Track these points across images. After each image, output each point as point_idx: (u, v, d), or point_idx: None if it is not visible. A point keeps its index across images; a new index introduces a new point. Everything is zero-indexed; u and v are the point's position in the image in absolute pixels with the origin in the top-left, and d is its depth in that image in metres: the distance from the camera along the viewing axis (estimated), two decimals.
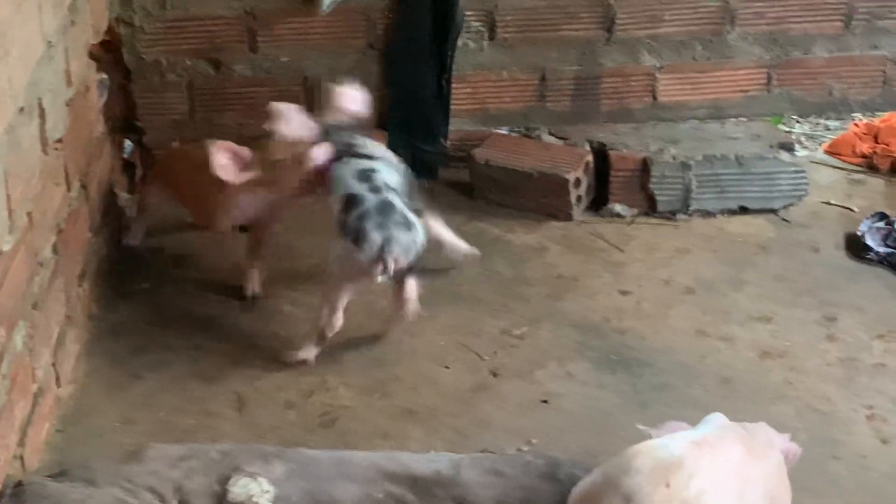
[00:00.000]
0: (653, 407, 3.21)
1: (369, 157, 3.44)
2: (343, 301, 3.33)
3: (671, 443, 2.43)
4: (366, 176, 3.36)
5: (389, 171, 3.43)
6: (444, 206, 3.81)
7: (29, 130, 2.97)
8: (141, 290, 3.71)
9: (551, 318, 3.59)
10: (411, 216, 3.30)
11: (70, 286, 3.31)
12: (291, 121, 3.47)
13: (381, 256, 3.20)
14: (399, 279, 3.31)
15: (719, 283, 3.75)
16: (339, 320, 3.34)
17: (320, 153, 3.41)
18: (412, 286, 3.35)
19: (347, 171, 3.38)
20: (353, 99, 3.56)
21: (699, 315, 3.60)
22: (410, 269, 3.31)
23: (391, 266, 3.20)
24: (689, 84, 4.31)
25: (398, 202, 3.30)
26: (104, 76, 3.86)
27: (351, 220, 3.27)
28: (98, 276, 3.61)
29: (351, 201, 3.30)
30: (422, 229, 3.33)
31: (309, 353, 3.37)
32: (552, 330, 3.54)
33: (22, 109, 2.91)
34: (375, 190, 3.32)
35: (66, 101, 3.33)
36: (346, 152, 3.44)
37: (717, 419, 2.58)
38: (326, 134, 3.47)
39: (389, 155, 3.54)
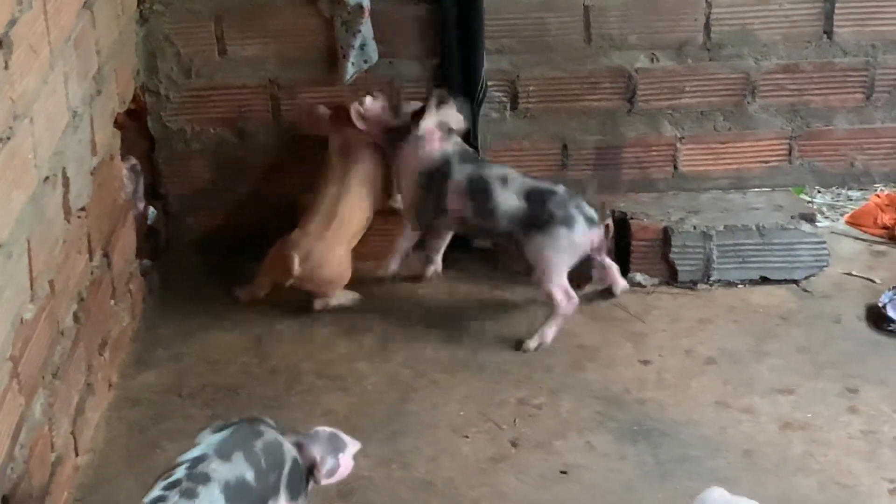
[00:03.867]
0: (674, 479, 3.18)
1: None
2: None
3: None
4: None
5: None
6: (468, 276, 3.82)
7: (53, 199, 2.99)
8: (161, 359, 3.73)
9: (572, 388, 3.58)
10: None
11: (91, 355, 3.32)
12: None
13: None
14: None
15: (741, 354, 3.73)
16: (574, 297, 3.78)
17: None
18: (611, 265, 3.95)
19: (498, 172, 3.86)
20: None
21: (721, 386, 3.58)
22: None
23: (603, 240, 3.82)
24: (710, 154, 4.31)
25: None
26: (135, 162, 3.89)
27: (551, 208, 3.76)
28: (119, 344, 3.63)
29: (539, 194, 3.78)
30: None
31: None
32: (573, 400, 3.52)
33: (46, 179, 2.93)
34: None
35: (91, 169, 3.35)
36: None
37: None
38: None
39: None
